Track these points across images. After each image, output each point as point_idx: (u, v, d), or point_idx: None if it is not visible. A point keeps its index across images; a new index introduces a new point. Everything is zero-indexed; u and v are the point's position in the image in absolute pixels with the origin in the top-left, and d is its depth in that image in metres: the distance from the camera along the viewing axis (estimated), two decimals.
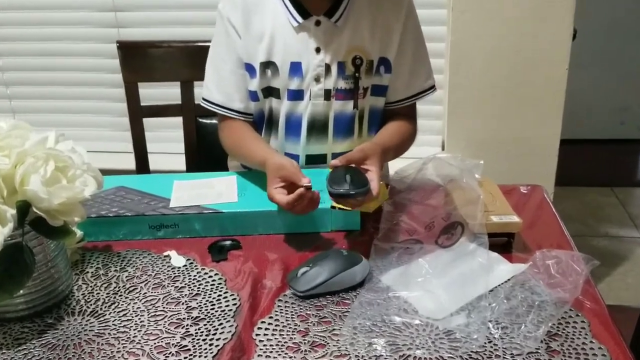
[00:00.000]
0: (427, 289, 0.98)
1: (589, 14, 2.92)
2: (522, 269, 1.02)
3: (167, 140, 2.25)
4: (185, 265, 1.07)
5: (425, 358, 0.86)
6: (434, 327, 0.92)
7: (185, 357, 0.88)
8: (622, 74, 3.20)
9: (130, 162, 1.68)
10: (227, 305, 0.97)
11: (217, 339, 0.91)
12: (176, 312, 0.96)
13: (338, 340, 0.90)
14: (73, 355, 0.89)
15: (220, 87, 1.31)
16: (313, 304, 0.97)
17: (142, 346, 0.90)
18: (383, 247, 1.06)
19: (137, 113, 1.62)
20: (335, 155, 1.35)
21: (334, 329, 0.92)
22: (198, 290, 1.01)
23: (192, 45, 1.59)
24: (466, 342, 0.88)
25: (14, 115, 2.40)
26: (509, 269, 1.03)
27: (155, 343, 0.90)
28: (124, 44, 1.59)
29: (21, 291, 0.93)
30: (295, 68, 1.27)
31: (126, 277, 1.05)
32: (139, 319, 0.95)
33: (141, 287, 1.02)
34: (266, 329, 0.93)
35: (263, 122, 1.35)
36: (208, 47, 1.34)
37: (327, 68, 1.27)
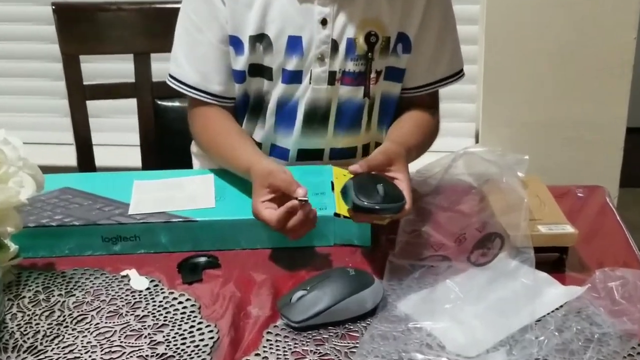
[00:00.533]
0: (457, 319, 1.00)
1: None
2: (577, 293, 1.04)
3: (117, 129, 2.28)
4: (148, 289, 1.09)
5: None
6: None
7: None
8: None
9: (73, 157, 1.70)
10: (201, 340, 0.99)
11: None
12: (137, 348, 0.98)
13: None
14: None
15: (195, 64, 1.33)
16: (311, 337, 0.99)
17: None
18: (401, 265, 1.09)
19: (79, 94, 1.64)
20: (334, 152, 1.39)
21: None
22: (165, 321, 1.03)
23: (148, 7, 1.61)
24: None
25: None
26: (561, 293, 1.06)
27: None
28: (62, 5, 1.61)
29: None
30: (294, 44, 1.29)
31: (73, 303, 1.06)
32: (90, 356, 0.97)
33: (92, 316, 1.04)
34: None
35: (246, 107, 1.38)
36: (169, 10, 1.36)
37: (334, 45, 1.30)
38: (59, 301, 1.07)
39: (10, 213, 0.98)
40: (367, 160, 1.13)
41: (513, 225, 1.08)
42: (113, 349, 0.98)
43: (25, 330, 1.02)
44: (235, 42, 1.31)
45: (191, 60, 1.33)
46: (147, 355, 0.97)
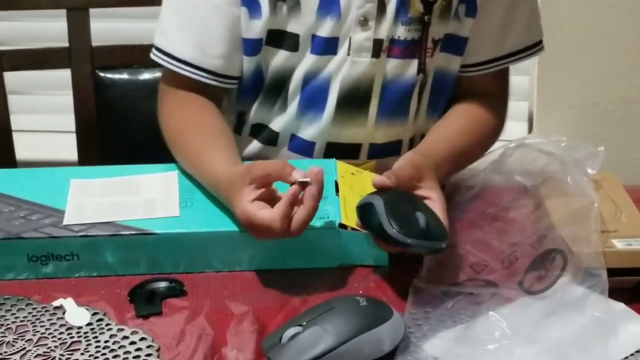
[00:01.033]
0: None
1: None
2: None
3: (45, 110, 2.28)
4: (90, 324, 1.10)
5: None
6: None
7: None
8: None
9: None
10: None
11: None
12: None
13: None
14: None
15: (191, 33, 1.35)
16: None
17: None
18: (429, 291, 1.10)
19: None
20: (374, 148, 1.41)
21: None
22: None
23: None
24: None
25: None
26: None
27: None
28: None
29: None
30: (329, 2, 1.31)
31: None
32: None
33: None
34: None
35: (259, 87, 1.40)
36: None
37: (381, 4, 1.32)
38: None
39: None
40: (395, 172, 1.15)
41: (580, 240, 1.09)
42: None
43: None
44: (249, 2, 1.33)
45: (185, 28, 1.35)
46: None
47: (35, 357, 1.05)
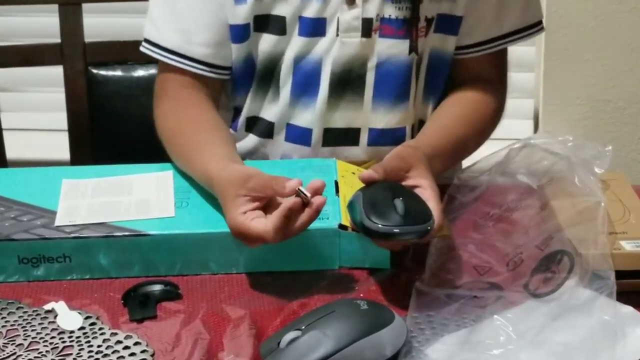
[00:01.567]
0: None
1: None
2: None
3: (36, 108, 2.29)
4: (82, 328, 1.10)
5: None
6: None
7: None
8: None
9: None
10: None
11: None
12: None
13: None
14: None
15: (175, 20, 1.36)
16: None
17: None
18: (432, 294, 1.10)
19: None
20: (374, 134, 1.40)
21: None
22: None
23: None
24: None
25: None
26: None
27: None
28: None
29: None
30: None
31: None
32: None
33: None
34: None
35: (251, 77, 1.40)
36: None
37: None
38: None
39: None
40: (382, 164, 1.15)
41: (587, 241, 1.09)
42: None
43: None
44: None
45: (169, 16, 1.36)
46: None
47: None
